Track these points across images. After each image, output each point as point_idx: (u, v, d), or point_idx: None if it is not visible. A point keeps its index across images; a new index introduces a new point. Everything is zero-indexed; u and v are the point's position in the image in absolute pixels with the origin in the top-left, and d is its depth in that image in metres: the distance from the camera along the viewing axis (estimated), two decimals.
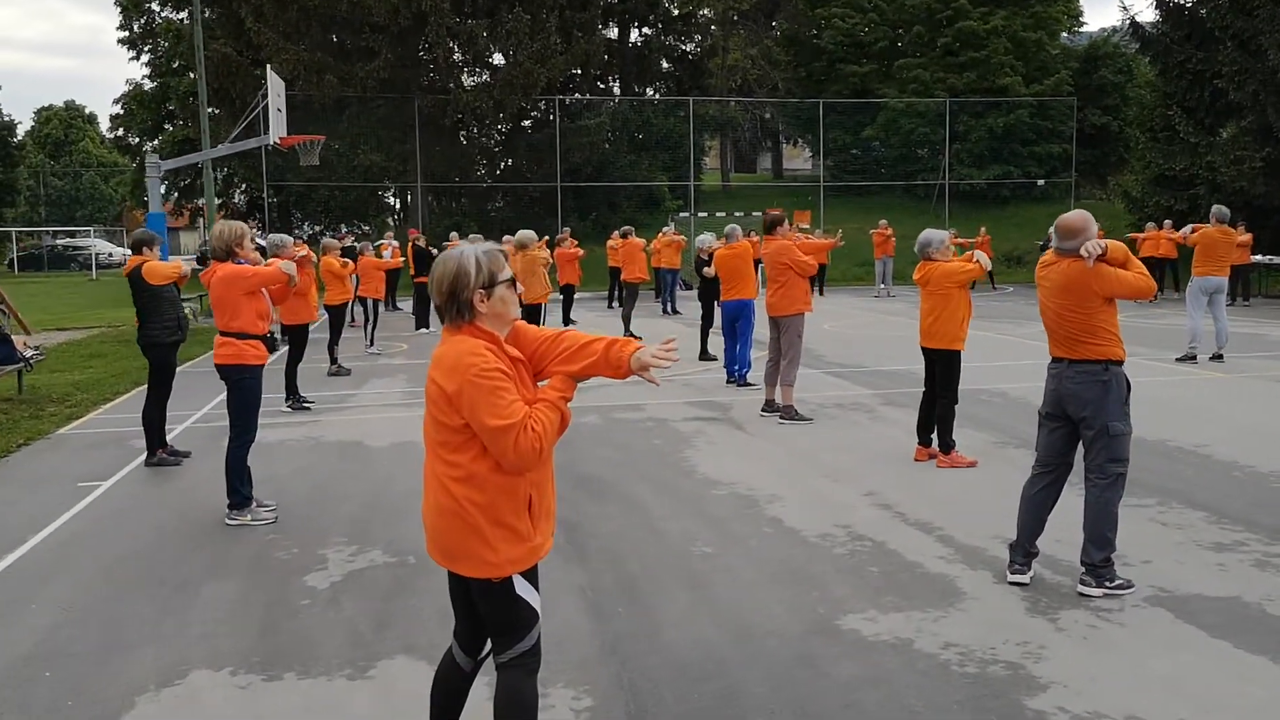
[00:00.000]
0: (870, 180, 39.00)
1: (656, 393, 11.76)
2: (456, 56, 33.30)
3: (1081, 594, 5.25)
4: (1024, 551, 5.51)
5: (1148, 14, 56.42)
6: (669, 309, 22.84)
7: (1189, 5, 30.52)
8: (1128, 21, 32.30)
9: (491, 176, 34.63)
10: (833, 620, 4.97)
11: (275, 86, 16.00)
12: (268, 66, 16.98)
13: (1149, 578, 5.48)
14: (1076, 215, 5.39)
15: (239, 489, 6.59)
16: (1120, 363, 5.31)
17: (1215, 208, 13.77)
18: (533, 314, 13.18)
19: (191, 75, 31.25)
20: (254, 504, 6.72)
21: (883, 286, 27.27)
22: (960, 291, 8.06)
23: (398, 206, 39.85)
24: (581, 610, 5.14)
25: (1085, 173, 39.62)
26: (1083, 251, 5.18)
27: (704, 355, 14.38)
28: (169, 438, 8.82)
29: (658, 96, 38.92)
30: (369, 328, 16.00)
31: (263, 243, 18.76)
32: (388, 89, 31.28)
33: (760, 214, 32.70)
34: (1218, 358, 13.28)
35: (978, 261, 8.10)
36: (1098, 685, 4.25)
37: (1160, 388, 11.53)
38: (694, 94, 37.54)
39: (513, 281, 3.23)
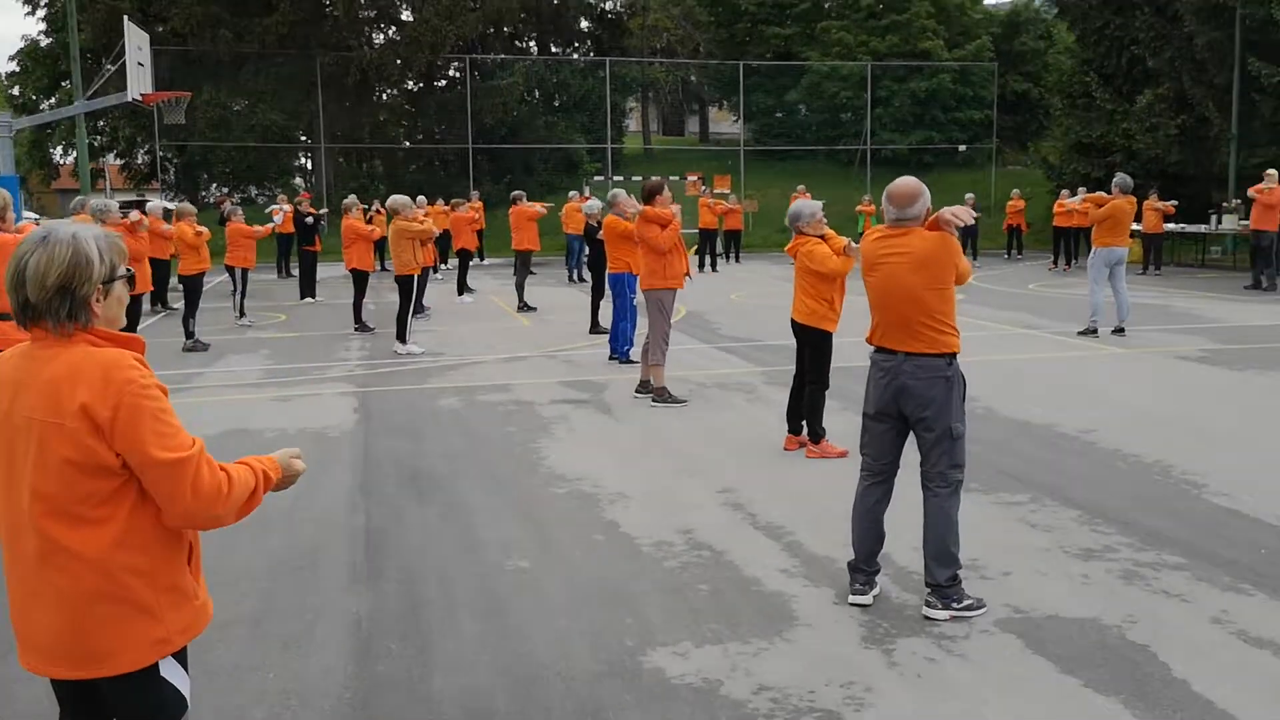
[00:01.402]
0: (794, 144, 38.40)
1: (528, 372, 11.04)
2: (363, 12, 31.93)
3: (927, 617, 4.64)
4: (864, 571, 4.89)
5: None
6: (575, 277, 22.05)
7: None
8: None
9: (404, 138, 33.34)
10: (638, 656, 4.30)
11: (136, 39, 14.90)
12: (124, 19, 15.79)
13: (1005, 594, 4.89)
14: (910, 180, 4.76)
15: None
16: (957, 355, 4.71)
17: (1118, 176, 13.29)
18: (405, 286, 12.33)
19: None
20: None
21: None
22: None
23: (310, 167, 38.43)
24: (346, 649, 4.41)
25: (1007, 139, 39.42)
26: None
27: (594, 328, 13.66)
28: None
29: (576, 56, 37.79)
30: (237, 297, 14.98)
31: (170, 206, 17.70)
32: (287, 45, 29.87)
33: (681, 178, 32.06)
34: (1119, 331, 12.85)
35: (849, 256, 7.39)
36: None
37: (1056, 366, 11.06)
38: (614, 54, 36.54)
39: (131, 278, 2.48)
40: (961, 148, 36.40)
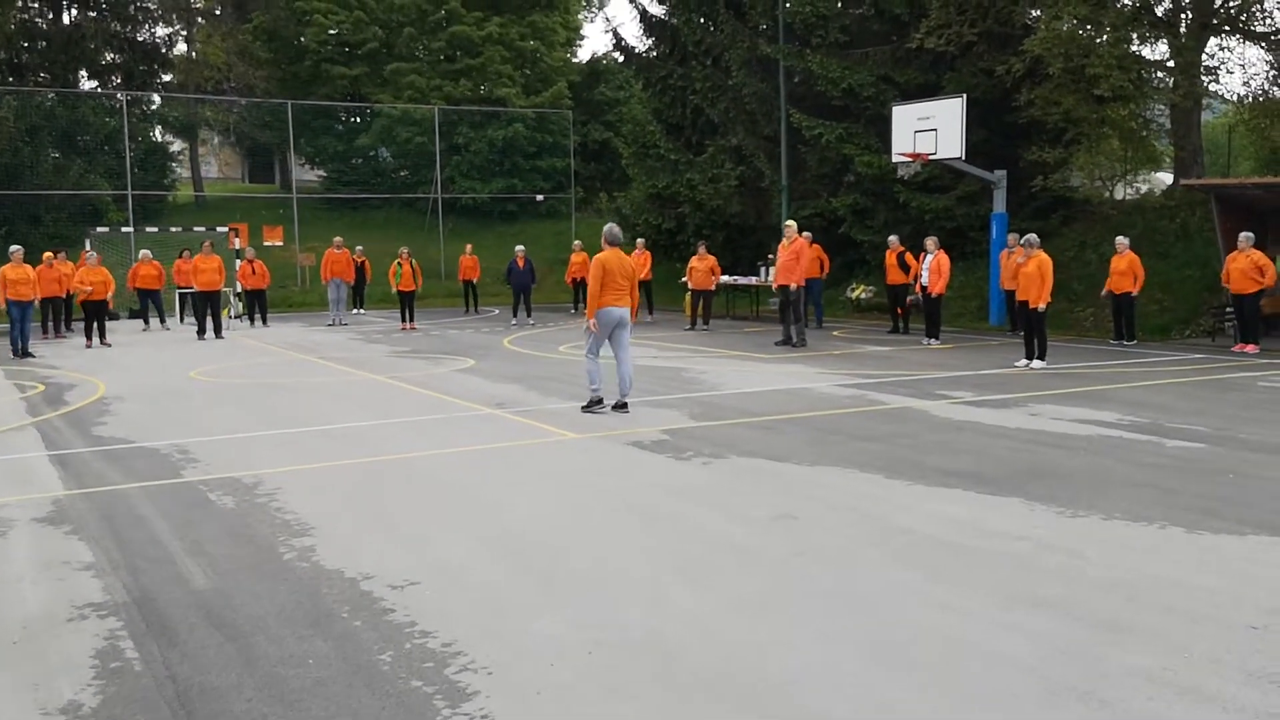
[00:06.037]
0: (370, 192, 35.62)
1: None
2: None
3: None
4: None
5: (633, 27, 57.96)
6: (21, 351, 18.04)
7: (670, 21, 30.00)
8: (612, 34, 31.40)
9: None
10: None
11: None
12: None
13: None
14: None
15: None
16: None
17: (606, 227, 11.55)
18: None
19: None
20: None
21: (338, 315, 24.06)
22: None
23: None
24: None
25: (593, 188, 38.73)
26: None
27: None
28: None
29: (97, 90, 32.97)
30: None
31: None
32: None
33: (211, 229, 28.37)
34: (621, 407, 10.96)
35: None
36: None
37: (485, 461, 8.77)
38: (152, 89, 32.18)
39: None
40: (540, 197, 35.10)
